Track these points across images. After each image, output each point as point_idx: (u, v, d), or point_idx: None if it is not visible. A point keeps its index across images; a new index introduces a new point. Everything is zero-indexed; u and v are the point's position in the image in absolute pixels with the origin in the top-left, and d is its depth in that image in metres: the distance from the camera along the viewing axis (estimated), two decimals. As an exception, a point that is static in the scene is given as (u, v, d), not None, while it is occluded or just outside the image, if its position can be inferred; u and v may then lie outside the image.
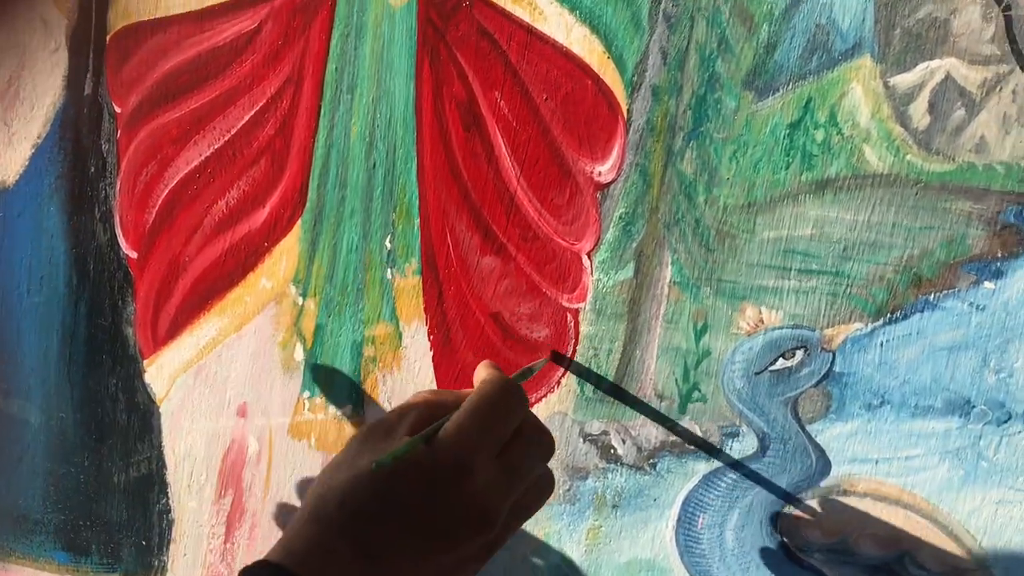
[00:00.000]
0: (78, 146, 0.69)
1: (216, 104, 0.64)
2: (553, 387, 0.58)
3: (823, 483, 0.53)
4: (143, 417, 0.70)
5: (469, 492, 0.44)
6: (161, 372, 0.69)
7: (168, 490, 0.69)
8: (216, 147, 0.64)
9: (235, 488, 0.67)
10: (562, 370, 0.58)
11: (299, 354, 0.64)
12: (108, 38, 0.67)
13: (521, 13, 0.56)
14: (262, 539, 0.66)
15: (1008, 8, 0.47)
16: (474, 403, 0.46)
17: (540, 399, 0.59)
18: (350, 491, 0.44)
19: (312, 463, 0.65)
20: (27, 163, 0.70)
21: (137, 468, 0.70)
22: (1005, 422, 0.50)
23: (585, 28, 0.55)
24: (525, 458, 0.47)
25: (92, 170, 0.69)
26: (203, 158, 0.65)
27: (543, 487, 0.49)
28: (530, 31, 0.56)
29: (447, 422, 0.46)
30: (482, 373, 0.51)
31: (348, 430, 0.64)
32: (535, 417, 0.49)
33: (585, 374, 0.57)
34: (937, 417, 0.51)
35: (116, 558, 0.72)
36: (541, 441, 0.48)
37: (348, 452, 0.46)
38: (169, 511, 0.70)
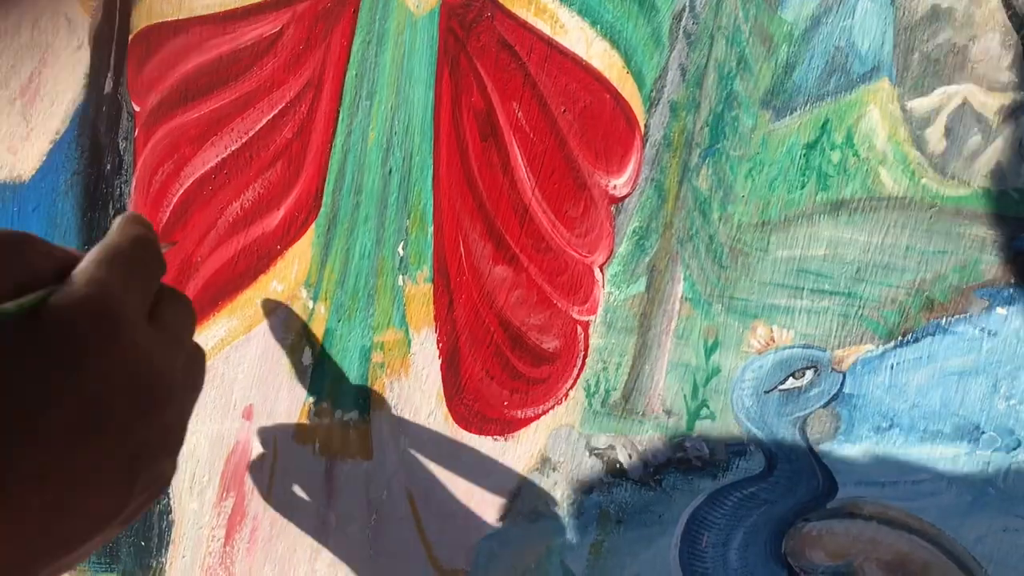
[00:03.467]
0: (95, 143, 0.69)
1: (235, 106, 0.64)
2: (561, 399, 0.58)
3: (829, 505, 0.53)
4: (148, 416, 0.69)
5: (123, 349, 0.32)
6: (168, 372, 0.68)
7: (170, 491, 0.69)
8: (233, 148, 0.65)
9: (237, 491, 0.67)
10: (570, 382, 0.58)
11: (307, 358, 0.64)
12: (130, 37, 0.67)
13: (542, 26, 0.56)
14: (262, 542, 0.66)
15: (1027, 36, 0.48)
16: (104, 253, 0.35)
17: (547, 411, 0.58)
18: None
19: (316, 468, 0.64)
20: (44, 159, 0.71)
21: (139, 467, 0.70)
22: (1014, 449, 0.50)
23: (605, 42, 0.55)
24: (178, 322, 0.37)
25: (108, 167, 0.69)
26: (220, 159, 0.65)
27: (201, 356, 0.40)
28: (550, 44, 0.56)
29: (76, 274, 0.34)
30: (119, 224, 0.39)
31: (354, 436, 0.63)
32: (168, 286, 0.41)
33: None
34: (946, 442, 0.50)
35: (114, 558, 0.72)
36: (187, 303, 0.40)
37: None
38: (169, 512, 0.69)
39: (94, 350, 0.31)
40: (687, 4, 0.54)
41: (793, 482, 0.53)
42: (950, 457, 0.50)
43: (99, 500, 0.32)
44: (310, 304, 0.64)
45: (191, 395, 0.39)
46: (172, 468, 0.37)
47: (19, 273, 0.33)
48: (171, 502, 0.69)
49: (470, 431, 0.60)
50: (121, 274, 0.34)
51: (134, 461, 0.33)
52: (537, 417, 0.59)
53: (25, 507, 0.29)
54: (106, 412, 0.32)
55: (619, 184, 0.56)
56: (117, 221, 0.38)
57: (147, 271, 0.37)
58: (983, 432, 0.50)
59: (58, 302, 0.32)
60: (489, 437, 0.60)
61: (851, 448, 0.52)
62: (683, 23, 0.54)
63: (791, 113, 0.52)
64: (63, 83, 0.69)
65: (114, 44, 0.68)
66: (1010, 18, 0.48)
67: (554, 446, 0.59)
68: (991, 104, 0.49)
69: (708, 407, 0.55)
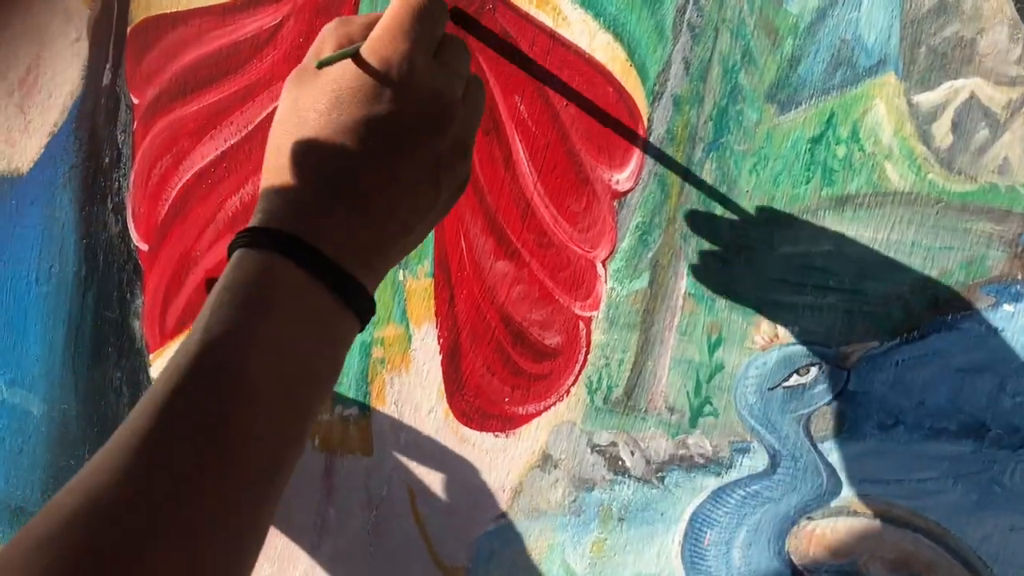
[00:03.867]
0: (94, 136, 0.69)
1: (235, 99, 0.64)
2: (562, 396, 0.58)
3: (833, 503, 0.52)
4: (146, 411, 0.69)
5: (416, 84, 0.43)
6: (167, 367, 0.68)
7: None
8: (233, 142, 0.64)
9: (236, 487, 0.67)
10: (572, 378, 0.57)
11: (307, 353, 0.63)
12: (129, 30, 0.67)
13: (544, 18, 0.56)
14: (262, 539, 0.66)
15: (1036, 29, 0.47)
16: (397, 8, 0.45)
17: (549, 407, 0.58)
18: (294, 130, 0.43)
19: (316, 464, 0.64)
20: (42, 151, 0.70)
21: (138, 463, 0.70)
22: (1020, 447, 0.49)
23: (608, 35, 0.54)
24: (456, 55, 0.47)
25: (107, 160, 0.68)
26: (219, 152, 0.65)
27: (480, 83, 0.49)
28: (553, 36, 0.55)
29: (375, 30, 0.45)
30: None
31: (353, 432, 0.63)
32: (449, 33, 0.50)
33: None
34: (951, 440, 0.50)
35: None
36: (463, 42, 0.48)
37: (282, 108, 0.45)
38: (168, 507, 0.69)
39: (388, 85, 0.43)
40: (691, -4, 0.53)
41: (797, 480, 0.53)
42: (955, 455, 0.50)
43: (417, 197, 0.44)
44: (310, 299, 0.63)
45: (474, 115, 0.48)
46: (467, 171, 0.47)
47: (342, 39, 0.46)
48: (170, 498, 0.69)
49: (471, 427, 0.60)
50: (405, 25, 0.44)
51: (435, 168, 0.45)
52: (539, 413, 0.58)
53: (373, 203, 0.43)
54: (408, 133, 0.43)
55: (622, 179, 0.55)
56: None
57: (429, 20, 0.45)
58: (989, 430, 0.49)
59: (363, 53, 0.43)
60: (490, 433, 0.60)
61: (855, 446, 0.52)
62: (687, 16, 0.53)
63: (796, 107, 0.51)
64: (61, 76, 0.69)
65: (113, 36, 0.67)
66: (1019, 11, 0.47)
67: (555, 443, 0.58)
68: (999, 98, 0.48)
69: (711, 404, 0.54)
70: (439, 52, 0.46)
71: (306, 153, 0.43)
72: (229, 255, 0.42)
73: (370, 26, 0.46)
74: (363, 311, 0.43)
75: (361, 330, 0.44)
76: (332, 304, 0.41)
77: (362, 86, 0.43)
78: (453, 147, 0.45)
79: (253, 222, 0.42)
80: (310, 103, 0.43)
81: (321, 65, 0.43)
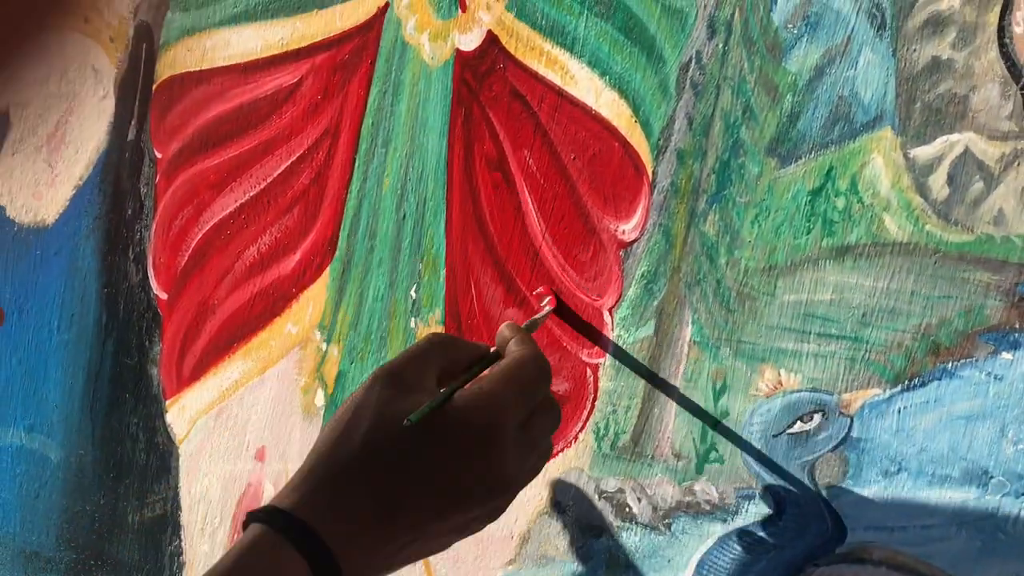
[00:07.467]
0: (117, 189, 0.71)
1: (254, 153, 0.66)
2: (570, 442, 0.58)
3: (839, 550, 0.53)
4: (161, 457, 0.70)
5: (494, 460, 0.44)
6: (183, 413, 0.69)
7: (181, 532, 0.70)
8: (252, 194, 0.66)
9: (248, 533, 0.67)
10: (580, 425, 0.58)
11: (320, 399, 0.65)
12: (154, 87, 0.70)
13: (553, 76, 0.58)
14: (272, 584, 0.66)
15: (1026, 86, 0.49)
16: (510, 372, 0.46)
17: (556, 454, 0.59)
18: (372, 440, 0.43)
19: (327, 509, 0.65)
20: (67, 204, 0.73)
21: (152, 508, 0.70)
22: (1023, 494, 0.49)
23: (614, 92, 0.56)
24: (542, 431, 0.48)
25: (129, 212, 0.71)
26: (238, 204, 0.67)
27: (546, 454, 0.50)
28: (561, 94, 0.58)
29: (479, 384, 0.46)
30: (509, 334, 0.50)
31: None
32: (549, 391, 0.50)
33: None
34: (954, 487, 0.50)
35: (125, 600, 0.72)
36: (555, 414, 0.49)
37: (368, 399, 0.44)
38: (181, 553, 0.70)
39: (475, 452, 0.44)
40: (693, 55, 0.55)
41: (802, 527, 0.53)
42: (959, 502, 0.50)
43: (434, 544, 0.46)
44: (324, 346, 0.65)
45: (525, 483, 0.48)
46: (493, 519, 0.48)
47: (444, 363, 0.47)
48: (183, 543, 0.69)
49: (480, 473, 0.61)
50: (514, 391, 0.46)
51: (465, 528, 0.46)
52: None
53: (395, 540, 0.43)
54: (465, 498, 0.44)
55: (627, 229, 0.57)
56: (519, 337, 0.49)
57: (535, 388, 0.47)
58: (992, 477, 0.50)
59: (464, 409, 0.44)
60: (499, 480, 0.60)
61: (860, 492, 0.52)
62: (690, 74, 0.55)
63: (796, 160, 0.53)
64: (88, 131, 0.72)
65: (138, 93, 0.70)
66: (1009, 69, 0.49)
67: (563, 489, 0.59)
68: (992, 152, 0.49)
69: (717, 450, 0.55)
70: (530, 421, 0.47)
71: (372, 460, 0.43)
72: (246, 524, 0.42)
73: (472, 361, 0.48)
74: None
75: None
76: None
77: (446, 431, 0.43)
78: (490, 514, 0.46)
79: (280, 498, 0.42)
80: (392, 414, 0.43)
81: (412, 422, 0.43)
